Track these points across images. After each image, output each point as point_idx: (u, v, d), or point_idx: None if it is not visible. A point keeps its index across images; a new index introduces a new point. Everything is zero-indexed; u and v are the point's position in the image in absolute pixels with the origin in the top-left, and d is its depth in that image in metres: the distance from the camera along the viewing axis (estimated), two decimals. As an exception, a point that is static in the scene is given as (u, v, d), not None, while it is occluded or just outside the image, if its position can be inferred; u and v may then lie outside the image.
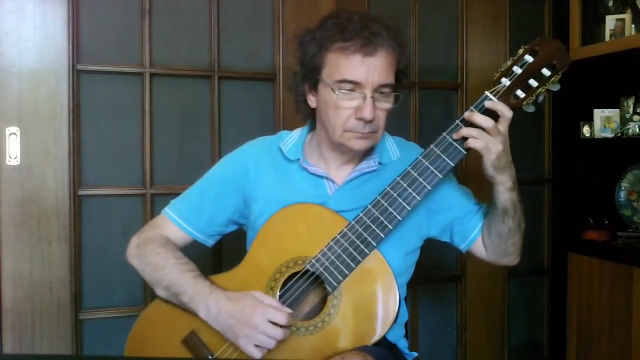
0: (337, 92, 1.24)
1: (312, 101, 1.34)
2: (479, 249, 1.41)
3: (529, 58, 1.23)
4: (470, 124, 1.21)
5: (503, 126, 1.20)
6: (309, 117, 1.40)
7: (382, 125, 1.28)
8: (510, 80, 1.22)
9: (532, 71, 1.23)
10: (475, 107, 1.22)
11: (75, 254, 1.88)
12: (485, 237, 1.38)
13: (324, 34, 1.26)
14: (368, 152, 1.38)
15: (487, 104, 1.21)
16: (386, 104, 1.27)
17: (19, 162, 1.82)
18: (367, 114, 1.22)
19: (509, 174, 1.25)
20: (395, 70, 1.27)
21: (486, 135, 1.19)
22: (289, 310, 1.22)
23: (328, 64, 1.26)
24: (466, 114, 1.22)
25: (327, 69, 1.26)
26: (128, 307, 1.97)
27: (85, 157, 1.92)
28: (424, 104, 2.29)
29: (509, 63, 1.24)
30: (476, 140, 1.19)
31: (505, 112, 1.20)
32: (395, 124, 2.19)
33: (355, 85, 1.23)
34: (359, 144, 1.27)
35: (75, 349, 1.88)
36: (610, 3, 2.29)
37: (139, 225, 1.47)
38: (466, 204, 1.40)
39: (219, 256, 2.03)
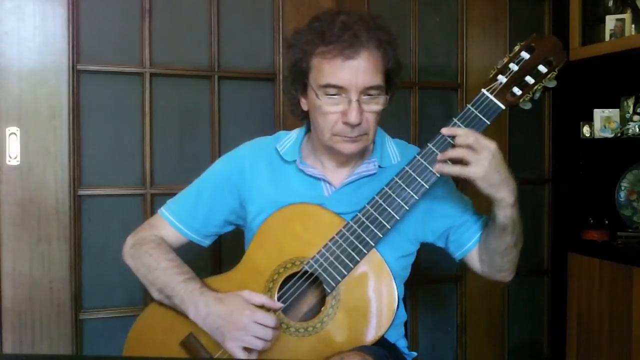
0: (321, 98, 1.23)
1: (303, 104, 1.33)
2: (474, 261, 1.37)
3: (525, 55, 1.22)
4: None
5: (474, 140, 1.15)
6: (305, 119, 1.38)
7: (373, 127, 1.26)
8: (506, 77, 1.21)
9: (528, 68, 1.22)
10: (472, 105, 1.21)
11: (75, 254, 1.88)
12: (482, 250, 1.34)
13: (307, 37, 1.25)
14: (367, 155, 1.37)
15: (443, 130, 1.19)
16: (375, 106, 1.25)
17: (19, 162, 1.82)
18: (353, 118, 1.20)
19: (508, 190, 1.19)
20: (382, 70, 1.24)
21: (469, 154, 1.15)
22: (280, 305, 1.22)
23: (313, 68, 1.25)
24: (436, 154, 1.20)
25: (313, 74, 1.25)
26: (128, 307, 1.96)
27: (85, 157, 1.92)
28: (424, 104, 2.28)
29: (505, 60, 1.23)
30: (453, 167, 1.18)
31: (462, 134, 1.16)
32: (395, 124, 2.22)
33: (340, 89, 1.21)
34: (348, 148, 1.26)
35: (75, 349, 1.88)
36: (610, 3, 2.29)
37: (139, 225, 1.47)
38: (464, 214, 1.37)
39: (218, 257, 2.03)
